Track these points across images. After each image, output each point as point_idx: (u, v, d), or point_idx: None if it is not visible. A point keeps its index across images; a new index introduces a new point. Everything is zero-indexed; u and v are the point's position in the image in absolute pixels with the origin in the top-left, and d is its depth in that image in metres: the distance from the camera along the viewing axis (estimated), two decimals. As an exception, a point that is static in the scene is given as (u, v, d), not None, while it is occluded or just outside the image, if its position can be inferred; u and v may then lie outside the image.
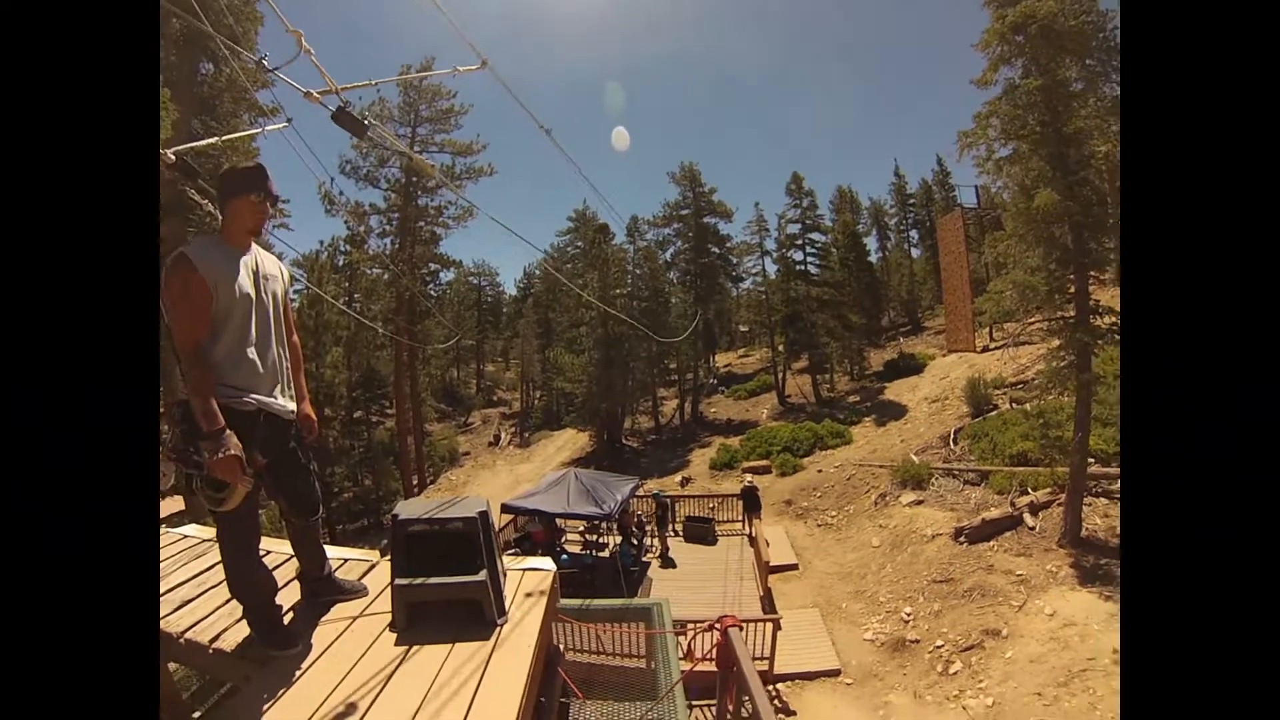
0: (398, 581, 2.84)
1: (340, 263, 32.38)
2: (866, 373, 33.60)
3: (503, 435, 42.15)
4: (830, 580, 14.41)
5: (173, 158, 3.07)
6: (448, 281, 40.41)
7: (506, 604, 3.01)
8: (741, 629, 2.64)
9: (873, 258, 44.91)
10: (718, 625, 2.64)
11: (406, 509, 2.97)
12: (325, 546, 3.20)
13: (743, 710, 2.50)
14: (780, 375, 34.41)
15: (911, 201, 50.02)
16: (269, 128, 5.14)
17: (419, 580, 2.82)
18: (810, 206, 34.41)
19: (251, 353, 2.50)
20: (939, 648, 10.50)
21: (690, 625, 2.90)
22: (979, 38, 12.10)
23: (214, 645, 2.78)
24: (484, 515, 2.94)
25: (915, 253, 49.84)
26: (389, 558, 3.05)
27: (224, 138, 5.05)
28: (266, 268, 2.67)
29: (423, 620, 2.85)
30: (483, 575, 2.83)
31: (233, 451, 2.25)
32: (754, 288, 41.05)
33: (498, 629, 2.85)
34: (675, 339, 28.32)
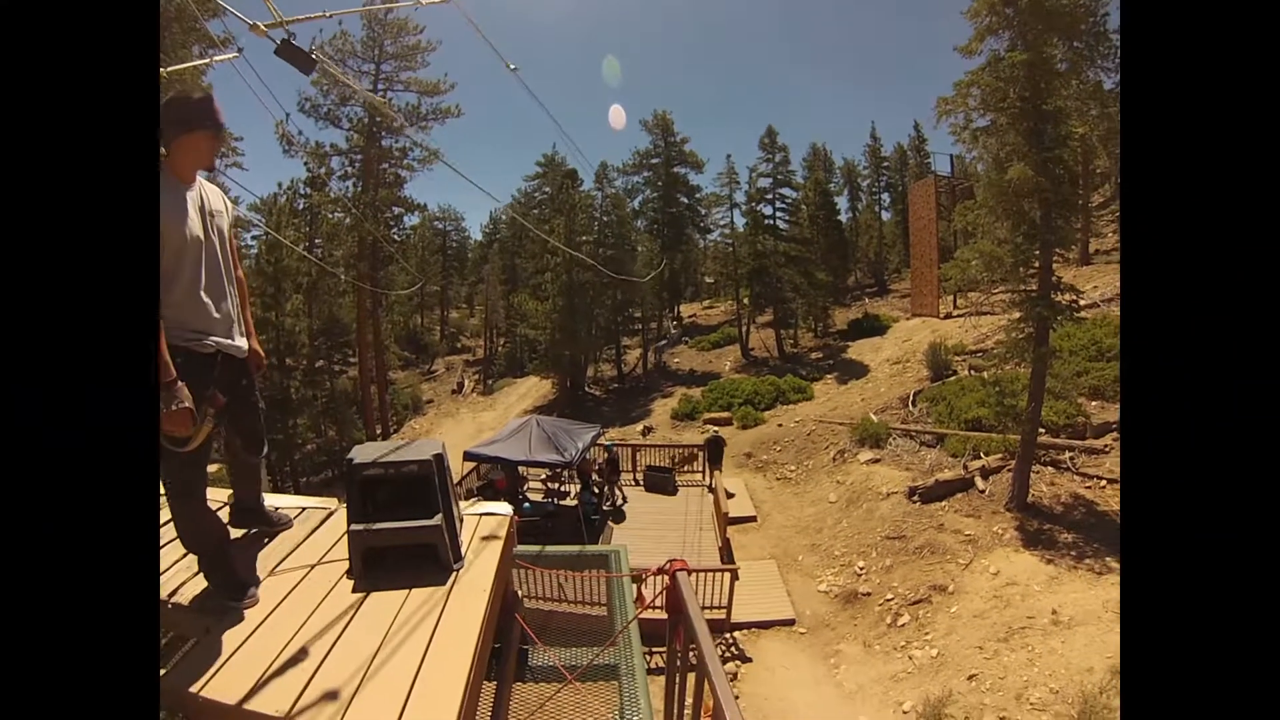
0: (353, 527, 2.81)
1: (300, 206, 31.29)
2: (830, 330, 33.96)
3: (466, 383, 41.94)
4: (787, 533, 14.77)
5: None
6: (412, 226, 39.35)
7: (463, 549, 3.00)
8: (690, 574, 2.66)
9: (843, 217, 44.83)
10: (666, 569, 2.67)
11: (362, 453, 2.93)
12: (286, 496, 3.29)
13: (691, 656, 2.54)
14: (744, 328, 34.54)
15: (885, 165, 49.91)
16: (218, 58, 4.88)
17: (374, 525, 2.80)
18: (783, 162, 34.06)
19: (204, 295, 2.44)
20: (889, 601, 10.89)
21: (640, 576, 2.94)
22: (968, 4, 11.97)
23: (172, 600, 2.72)
24: (439, 458, 2.90)
25: (886, 215, 49.99)
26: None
27: (170, 69, 4.80)
28: (212, 203, 2.54)
29: (380, 566, 2.83)
30: (438, 519, 2.81)
31: (185, 404, 2.19)
32: (721, 240, 40.95)
33: (454, 574, 2.85)
34: (638, 279, 28.25)
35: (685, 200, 41.14)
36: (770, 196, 34.04)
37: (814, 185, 38.85)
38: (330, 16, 4.65)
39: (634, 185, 41.48)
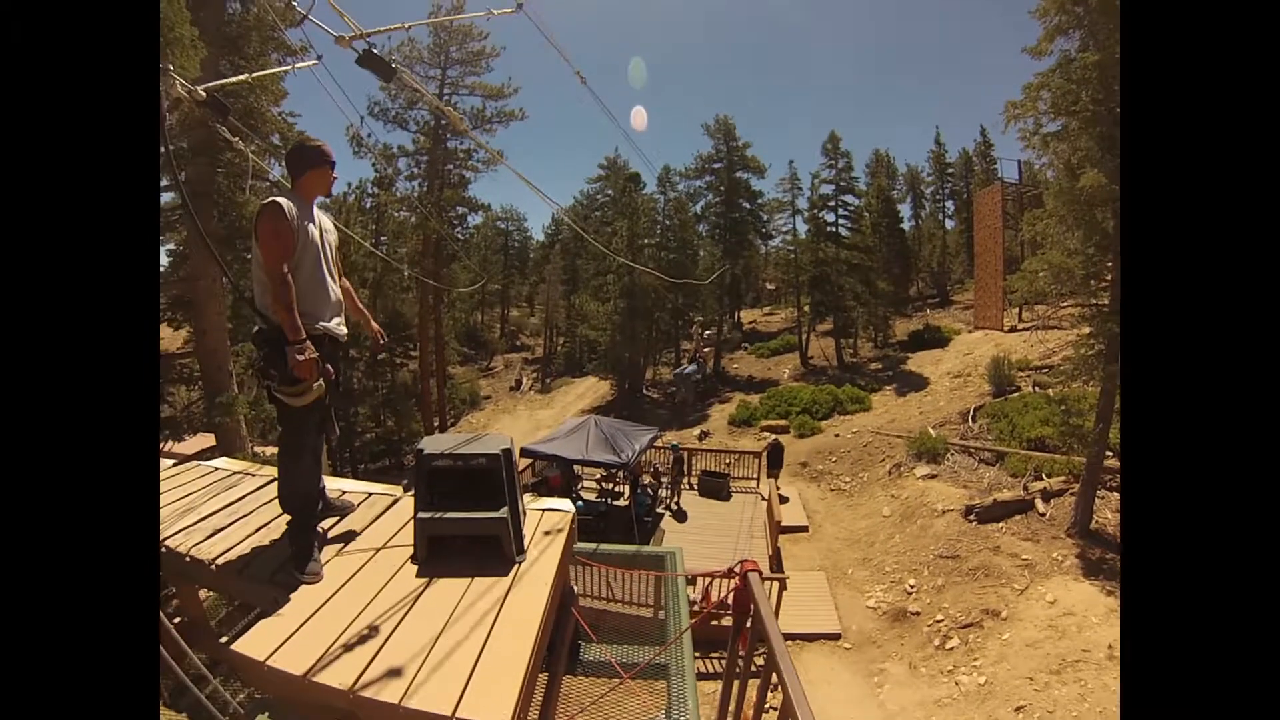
0: (420, 515, 2.91)
1: (368, 205, 32.29)
2: (890, 341, 33.30)
3: (524, 380, 42.48)
4: (839, 545, 14.55)
5: (204, 95, 3.21)
6: (475, 225, 40.28)
7: (525, 542, 3.08)
8: (760, 575, 2.68)
9: (905, 225, 43.93)
10: (737, 570, 2.68)
11: (431, 444, 3.04)
12: (352, 481, 3.56)
13: (754, 661, 2.55)
14: (804, 336, 34.14)
15: (950, 171, 48.59)
16: (299, 65, 5.14)
17: (442, 514, 2.90)
18: (846, 168, 33.53)
19: (318, 286, 2.99)
20: (939, 622, 10.62)
21: (700, 577, 2.94)
22: (1036, 3, 11.55)
23: (243, 571, 2.90)
24: (507, 453, 3.00)
25: (949, 224, 48.61)
26: (412, 493, 3.13)
27: (255, 74, 5.11)
28: (324, 223, 3.16)
29: (443, 554, 2.93)
30: (504, 512, 2.90)
31: (313, 355, 2.77)
32: (783, 246, 40.42)
33: (516, 566, 2.93)
34: (698, 283, 28.18)
35: (747, 205, 40.95)
36: (833, 203, 33.55)
37: (877, 192, 38.19)
38: (407, 28, 4.84)
39: (696, 189, 41.56)
